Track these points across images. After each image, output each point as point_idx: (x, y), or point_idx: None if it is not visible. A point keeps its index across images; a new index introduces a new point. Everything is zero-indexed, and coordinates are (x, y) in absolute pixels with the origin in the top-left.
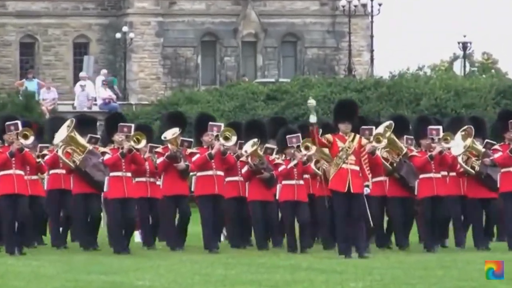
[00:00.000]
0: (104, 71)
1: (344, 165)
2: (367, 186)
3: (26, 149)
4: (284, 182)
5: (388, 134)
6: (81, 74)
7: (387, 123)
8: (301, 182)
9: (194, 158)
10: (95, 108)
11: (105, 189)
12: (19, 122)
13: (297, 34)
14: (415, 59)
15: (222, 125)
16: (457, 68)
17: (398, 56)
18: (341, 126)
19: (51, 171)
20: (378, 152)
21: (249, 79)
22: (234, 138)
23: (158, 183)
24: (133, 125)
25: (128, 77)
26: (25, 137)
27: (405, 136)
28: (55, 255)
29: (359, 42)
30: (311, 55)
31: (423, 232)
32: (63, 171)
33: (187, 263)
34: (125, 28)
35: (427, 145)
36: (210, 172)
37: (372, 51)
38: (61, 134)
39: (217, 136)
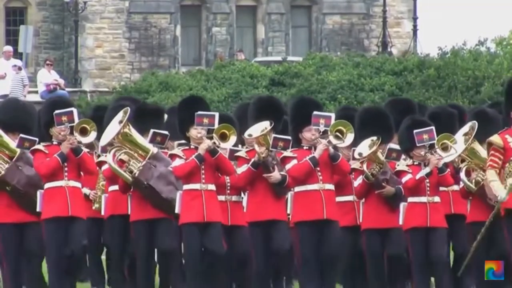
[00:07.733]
0: None
1: None
2: None
3: (85, 150)
4: (410, 199)
5: None
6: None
7: None
8: (436, 199)
9: (288, 166)
10: (34, 98)
11: (176, 210)
12: (74, 110)
13: None
14: (475, 30)
15: (333, 115)
16: None
17: (450, 27)
18: None
19: (111, 188)
20: None
21: (246, 58)
22: (349, 137)
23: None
24: (216, 114)
25: (81, 55)
26: (84, 132)
27: None
28: None
29: (397, 6)
30: (331, 24)
31: None
32: None
33: None
34: None
35: None
36: (314, 187)
37: (415, 19)
38: (111, 132)
39: (325, 132)
